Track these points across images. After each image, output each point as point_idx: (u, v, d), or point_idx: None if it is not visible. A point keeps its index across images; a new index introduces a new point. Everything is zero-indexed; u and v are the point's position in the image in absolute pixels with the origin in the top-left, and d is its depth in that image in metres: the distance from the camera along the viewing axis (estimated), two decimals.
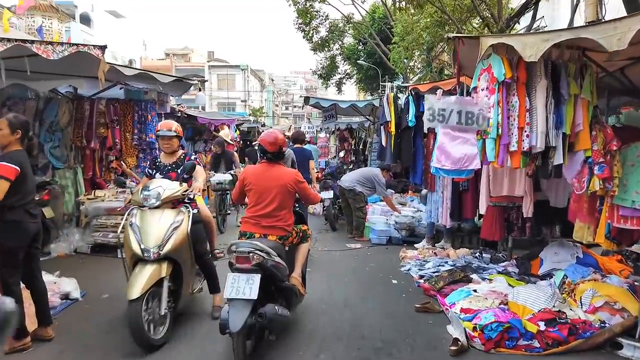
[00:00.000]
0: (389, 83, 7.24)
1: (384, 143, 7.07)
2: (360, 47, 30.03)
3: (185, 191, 4.34)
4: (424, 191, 8.07)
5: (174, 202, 4.35)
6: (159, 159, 4.79)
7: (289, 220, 4.17)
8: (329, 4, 26.13)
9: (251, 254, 3.55)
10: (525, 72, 3.99)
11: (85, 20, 38.61)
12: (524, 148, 3.99)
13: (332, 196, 9.36)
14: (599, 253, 6.07)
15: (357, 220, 8.67)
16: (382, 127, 7.14)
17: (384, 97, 7.07)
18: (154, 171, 4.70)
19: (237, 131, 16.19)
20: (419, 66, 23.44)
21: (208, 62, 44.12)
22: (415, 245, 7.79)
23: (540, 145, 3.97)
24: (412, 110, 6.82)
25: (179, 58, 45.91)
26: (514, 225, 6.32)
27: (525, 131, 3.99)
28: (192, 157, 4.75)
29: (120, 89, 7.86)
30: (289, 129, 23.23)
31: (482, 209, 5.98)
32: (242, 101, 41.34)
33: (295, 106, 57.80)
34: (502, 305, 4.84)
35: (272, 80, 51.49)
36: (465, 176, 4.49)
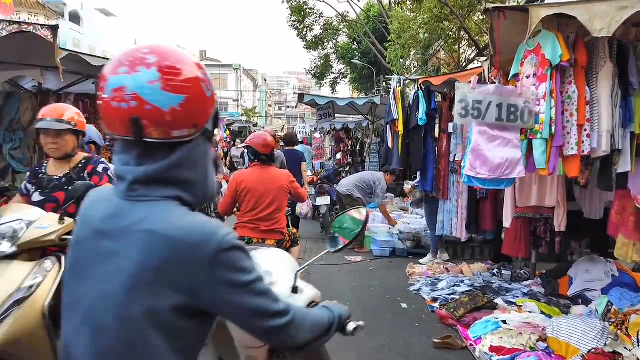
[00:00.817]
0: (396, 76, 6.28)
1: (390, 144, 6.13)
2: (354, 47, 29.28)
3: (66, 234, 2.51)
4: (417, 195, 7.21)
5: (52, 249, 2.56)
6: (43, 168, 2.95)
7: (284, 223, 4.08)
8: (323, 2, 25.27)
9: None
10: (585, 53, 3.06)
11: (75, 18, 37.59)
12: (583, 151, 3.07)
13: (328, 202, 8.42)
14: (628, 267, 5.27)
15: None
16: (387, 126, 6.19)
17: (390, 92, 6.13)
18: (34, 188, 2.87)
19: (227, 131, 15.19)
20: (415, 65, 22.62)
21: (200, 61, 42.58)
22: (421, 261, 6.89)
23: (605, 148, 3.04)
24: (422, 107, 5.88)
25: None
26: (542, 240, 5.39)
27: (586, 130, 3.06)
28: (99, 168, 2.94)
29: (93, 83, 6.86)
30: (282, 129, 22.28)
31: (507, 222, 5.05)
32: (233, 100, 40.14)
33: (288, 106, 56.67)
34: (541, 343, 3.93)
35: (265, 80, 50.23)
36: (505, 187, 3.56)
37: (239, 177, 4.05)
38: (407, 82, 6.27)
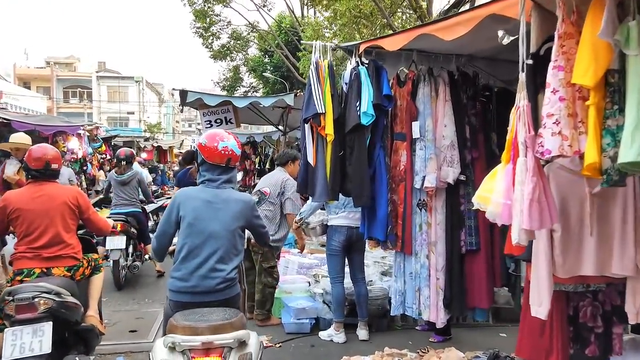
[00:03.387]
0: (319, 42, 3.51)
1: (310, 159, 3.33)
2: (266, 60, 26.68)
3: None
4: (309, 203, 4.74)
5: None
6: None
7: (77, 247, 3.35)
8: (231, 8, 22.46)
9: (37, 300, 2.82)
10: None
11: None
12: None
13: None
14: None
15: (262, 292, 4.87)
16: (305, 126, 3.39)
17: (310, 68, 3.37)
18: None
19: (103, 146, 11.67)
20: None
21: (97, 72, 37.74)
22: (321, 334, 4.41)
23: None
24: (367, 93, 3.21)
25: (62, 67, 38.96)
26: (589, 333, 2.89)
27: None
28: None
29: None
30: (180, 144, 18.86)
31: (542, 308, 2.48)
32: (128, 113, 35.03)
33: (199, 123, 52.13)
34: None
35: (173, 95, 45.50)
36: None
37: (7, 197, 3.29)
38: (334, 50, 3.52)
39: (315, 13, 20.82)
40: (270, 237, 4.80)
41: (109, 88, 36.98)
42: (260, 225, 2.86)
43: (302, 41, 16.66)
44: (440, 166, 3.27)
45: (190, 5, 21.67)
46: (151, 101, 40.18)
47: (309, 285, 5.37)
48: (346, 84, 3.45)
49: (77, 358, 3.08)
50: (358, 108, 3.25)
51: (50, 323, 2.84)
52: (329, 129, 3.24)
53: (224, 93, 27.58)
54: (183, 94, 6.73)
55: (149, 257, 6.51)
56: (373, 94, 3.25)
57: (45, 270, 3.14)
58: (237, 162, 2.76)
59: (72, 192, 3.42)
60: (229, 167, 2.66)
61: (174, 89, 6.73)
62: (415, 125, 3.27)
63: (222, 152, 2.59)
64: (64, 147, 8.58)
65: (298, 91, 7.06)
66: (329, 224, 4.58)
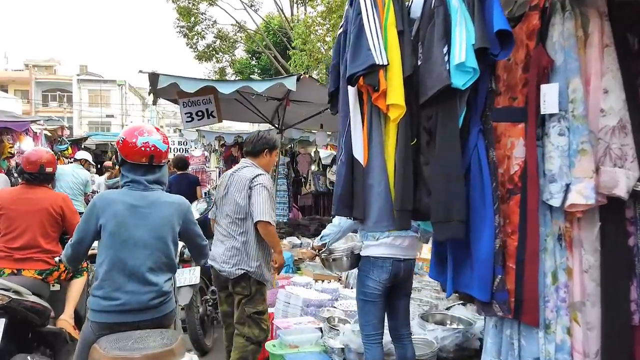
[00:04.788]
0: None
1: (359, 155, 1.78)
2: (253, 62, 25.19)
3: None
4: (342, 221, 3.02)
5: None
6: None
7: (56, 253, 3.15)
8: (218, 6, 20.91)
9: None
10: None
11: None
12: None
13: (197, 281, 3.87)
14: None
15: (241, 350, 3.23)
16: (349, 91, 1.85)
17: None
18: None
19: (69, 149, 9.98)
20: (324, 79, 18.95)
21: (78, 75, 35.57)
22: None
23: None
24: (462, 30, 1.69)
25: (42, 70, 36.69)
26: None
27: None
28: None
29: None
30: None
31: None
32: (107, 116, 32.87)
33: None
34: None
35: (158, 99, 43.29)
36: None
37: None
38: None
39: (306, 9, 19.44)
40: (251, 268, 3.21)
41: (91, 92, 34.85)
42: (198, 234, 2.52)
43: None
44: (598, 165, 1.74)
45: (174, 2, 20.07)
46: (135, 104, 38.16)
47: (322, 334, 3.79)
48: (415, 19, 1.90)
49: (28, 357, 2.83)
50: (446, 59, 1.69)
51: (4, 320, 2.72)
52: (396, 97, 1.66)
53: None
54: (153, 78, 5.10)
55: None
56: (475, 32, 1.71)
57: (15, 272, 3.09)
58: (163, 160, 2.37)
59: (57, 200, 3.33)
60: (154, 166, 2.33)
61: (140, 72, 5.14)
62: (550, 90, 1.72)
63: (142, 148, 2.27)
64: (11, 147, 6.90)
65: (302, 73, 5.54)
66: (362, 253, 2.97)
